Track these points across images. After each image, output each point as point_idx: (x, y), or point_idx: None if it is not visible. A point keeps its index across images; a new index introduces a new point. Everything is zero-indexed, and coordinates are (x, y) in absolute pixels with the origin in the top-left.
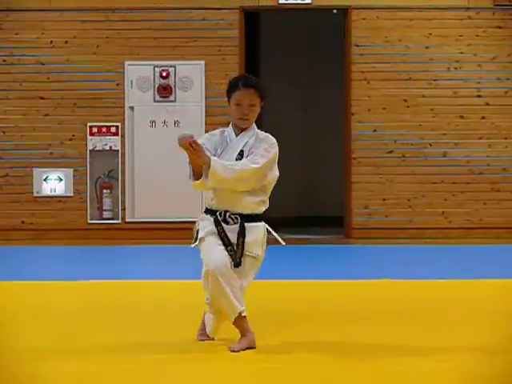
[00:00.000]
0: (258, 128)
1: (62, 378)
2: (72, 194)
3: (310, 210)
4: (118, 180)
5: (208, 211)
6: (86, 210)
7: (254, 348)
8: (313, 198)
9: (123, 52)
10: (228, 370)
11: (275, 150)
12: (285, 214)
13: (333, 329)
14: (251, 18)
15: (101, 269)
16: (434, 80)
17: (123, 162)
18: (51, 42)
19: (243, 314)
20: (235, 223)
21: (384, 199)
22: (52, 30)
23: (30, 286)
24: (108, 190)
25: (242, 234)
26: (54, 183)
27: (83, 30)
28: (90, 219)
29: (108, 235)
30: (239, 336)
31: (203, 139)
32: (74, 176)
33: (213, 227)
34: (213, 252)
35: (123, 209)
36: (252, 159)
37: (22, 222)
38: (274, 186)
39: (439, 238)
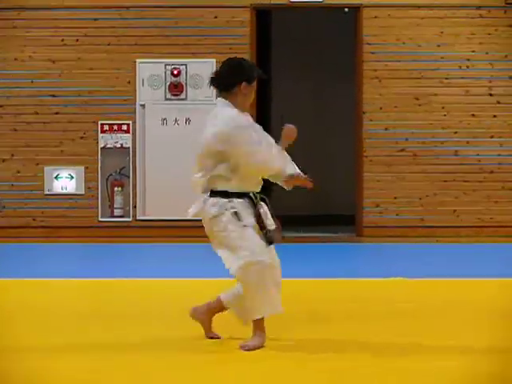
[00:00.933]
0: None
1: (71, 373)
2: (83, 192)
3: (322, 209)
4: (129, 178)
5: (232, 194)
6: (97, 208)
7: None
8: (324, 197)
9: (134, 50)
10: (240, 369)
11: None
12: (296, 212)
13: (344, 326)
14: (262, 16)
15: (111, 267)
16: (446, 78)
17: (134, 160)
18: (63, 40)
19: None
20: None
21: (395, 198)
22: (64, 28)
23: (40, 283)
24: (119, 188)
25: (258, 213)
26: (65, 181)
27: (95, 28)
28: (101, 217)
29: (119, 233)
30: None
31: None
32: (85, 174)
33: (252, 217)
34: (258, 243)
35: (134, 207)
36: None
37: (33, 220)
38: None
39: (450, 236)
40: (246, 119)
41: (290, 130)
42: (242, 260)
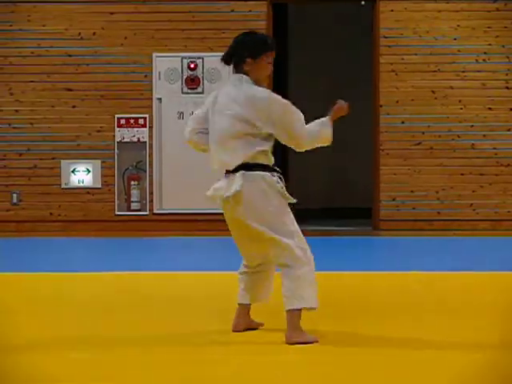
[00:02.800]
0: None
1: (78, 366)
2: (100, 186)
3: (338, 202)
4: (145, 172)
5: (269, 169)
6: (114, 202)
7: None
8: (341, 190)
9: (151, 44)
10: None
11: None
12: (313, 205)
13: (360, 320)
14: (279, 9)
15: (128, 260)
16: (462, 72)
17: (151, 154)
18: (79, 33)
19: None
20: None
21: (412, 191)
22: (80, 22)
23: (57, 277)
24: (136, 182)
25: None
26: (81, 175)
27: (111, 21)
28: (118, 211)
29: (136, 227)
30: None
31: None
32: (101, 168)
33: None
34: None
35: (151, 200)
36: None
37: (50, 214)
38: (303, 178)
39: (467, 229)
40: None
41: (342, 106)
42: (302, 247)
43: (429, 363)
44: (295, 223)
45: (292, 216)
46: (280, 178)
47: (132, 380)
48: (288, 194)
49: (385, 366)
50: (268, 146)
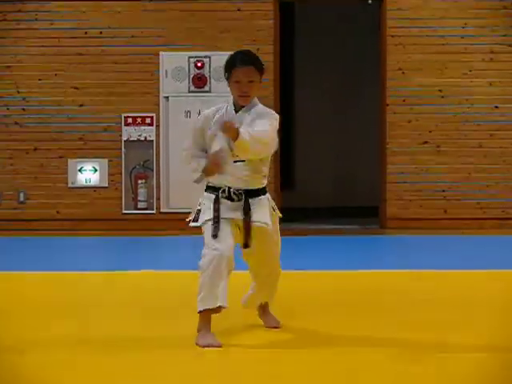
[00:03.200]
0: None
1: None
2: (107, 185)
3: (345, 201)
4: (152, 170)
5: (209, 188)
6: (121, 201)
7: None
8: (348, 189)
9: (158, 42)
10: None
11: (277, 121)
12: (320, 204)
13: (367, 319)
14: (286, 8)
15: (135, 259)
16: (470, 70)
17: (158, 153)
18: (86, 32)
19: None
20: (239, 200)
21: (419, 190)
22: (87, 20)
23: (63, 276)
24: (143, 181)
25: (247, 209)
26: (88, 174)
27: (118, 20)
28: (125, 209)
29: (143, 225)
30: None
31: (201, 122)
32: (108, 166)
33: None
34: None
35: (158, 199)
36: (259, 124)
37: (57, 213)
38: (310, 177)
39: (474, 228)
40: (205, 118)
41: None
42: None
43: (435, 363)
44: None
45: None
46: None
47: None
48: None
49: (389, 365)
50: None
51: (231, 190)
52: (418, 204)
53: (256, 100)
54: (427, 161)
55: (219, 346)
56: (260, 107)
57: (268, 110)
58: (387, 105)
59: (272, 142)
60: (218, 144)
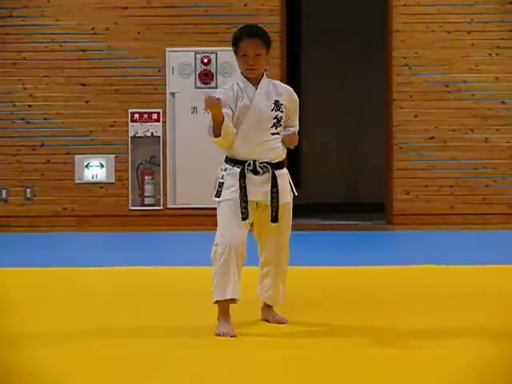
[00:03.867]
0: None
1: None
2: (113, 181)
3: (352, 196)
4: (159, 166)
5: (233, 161)
6: (128, 197)
7: None
8: (354, 184)
9: (164, 38)
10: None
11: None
12: (327, 199)
13: (374, 313)
14: (292, 3)
15: (142, 255)
16: (476, 66)
17: (165, 149)
18: (92, 28)
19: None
20: (264, 173)
21: (426, 185)
22: (93, 17)
23: (70, 271)
24: (149, 177)
25: (274, 184)
26: (95, 170)
27: (124, 16)
28: (132, 206)
29: (149, 222)
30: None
31: (222, 95)
32: (115, 162)
33: (236, 187)
34: (233, 225)
35: (165, 195)
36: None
37: (64, 209)
38: (316, 172)
39: (480, 223)
40: (225, 93)
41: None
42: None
43: (439, 358)
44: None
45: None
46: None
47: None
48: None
49: (396, 361)
50: None
51: (256, 162)
52: (425, 199)
53: (265, 74)
54: (434, 156)
55: (233, 336)
56: (275, 82)
57: (283, 85)
58: (394, 100)
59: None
60: (251, 117)
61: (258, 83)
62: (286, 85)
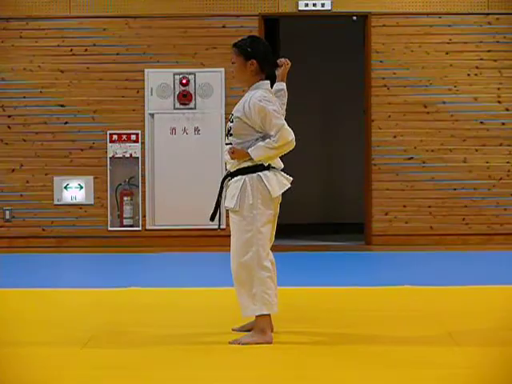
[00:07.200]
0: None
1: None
2: (92, 202)
3: (331, 217)
4: (138, 187)
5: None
6: (107, 218)
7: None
8: (333, 205)
9: (143, 59)
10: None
11: (265, 108)
12: (305, 220)
13: (351, 333)
14: (271, 24)
15: (121, 276)
16: (454, 86)
17: (143, 170)
18: (71, 49)
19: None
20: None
21: (404, 206)
22: (72, 38)
23: (48, 293)
24: (128, 198)
25: (220, 192)
26: (74, 191)
27: (103, 37)
28: (111, 226)
29: (128, 242)
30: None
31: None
32: (94, 183)
33: None
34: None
35: (144, 216)
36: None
37: (43, 230)
38: (295, 193)
39: (460, 244)
40: None
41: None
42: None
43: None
44: None
45: None
46: None
47: None
48: None
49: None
50: None
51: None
52: (404, 220)
53: (257, 84)
54: (412, 176)
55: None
56: (255, 95)
57: (254, 98)
58: (372, 120)
59: (282, 130)
60: None
61: None
62: (257, 97)
